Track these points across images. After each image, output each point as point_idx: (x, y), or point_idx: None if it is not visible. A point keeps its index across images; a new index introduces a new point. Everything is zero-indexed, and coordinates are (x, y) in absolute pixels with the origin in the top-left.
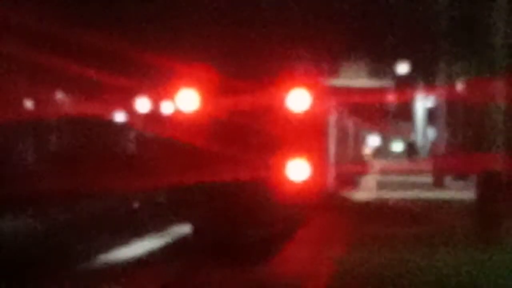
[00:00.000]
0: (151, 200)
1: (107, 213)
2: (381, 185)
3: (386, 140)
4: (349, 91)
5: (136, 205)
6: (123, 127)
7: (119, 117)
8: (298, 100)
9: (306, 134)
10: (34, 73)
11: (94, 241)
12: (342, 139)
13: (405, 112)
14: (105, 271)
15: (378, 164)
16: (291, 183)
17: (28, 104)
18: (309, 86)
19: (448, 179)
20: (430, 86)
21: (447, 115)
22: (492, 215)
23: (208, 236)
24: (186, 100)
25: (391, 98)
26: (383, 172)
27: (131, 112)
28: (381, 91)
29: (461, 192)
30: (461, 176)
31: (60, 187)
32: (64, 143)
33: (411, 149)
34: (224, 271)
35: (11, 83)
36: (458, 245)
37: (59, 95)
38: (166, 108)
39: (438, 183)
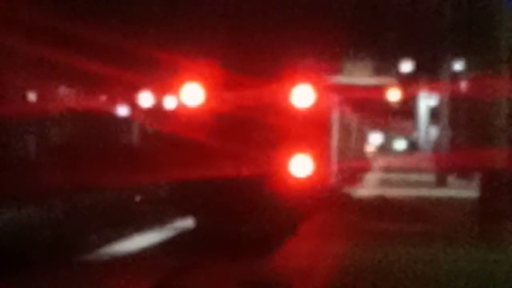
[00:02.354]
0: (153, 194)
1: (109, 206)
2: (383, 183)
3: (388, 138)
4: (352, 88)
5: (138, 198)
6: (126, 121)
7: (123, 111)
8: (302, 96)
9: (310, 130)
10: (38, 67)
11: (95, 234)
12: (345, 136)
13: (408, 110)
14: (106, 264)
15: (380, 161)
16: (294, 178)
17: (32, 97)
18: (313, 83)
19: (451, 178)
20: (433, 84)
21: (450, 113)
22: (494, 213)
23: (210, 230)
24: (191, 95)
25: (394, 95)
26: (386, 170)
27: (134, 106)
28: (384, 88)
29: (464, 190)
30: (464, 175)
31: (63, 180)
32: (67, 137)
33: (413, 147)
34: (225, 265)
35: (14, 77)
36: (460, 243)
37: (63, 89)
38: (169, 102)
39: (441, 182)
